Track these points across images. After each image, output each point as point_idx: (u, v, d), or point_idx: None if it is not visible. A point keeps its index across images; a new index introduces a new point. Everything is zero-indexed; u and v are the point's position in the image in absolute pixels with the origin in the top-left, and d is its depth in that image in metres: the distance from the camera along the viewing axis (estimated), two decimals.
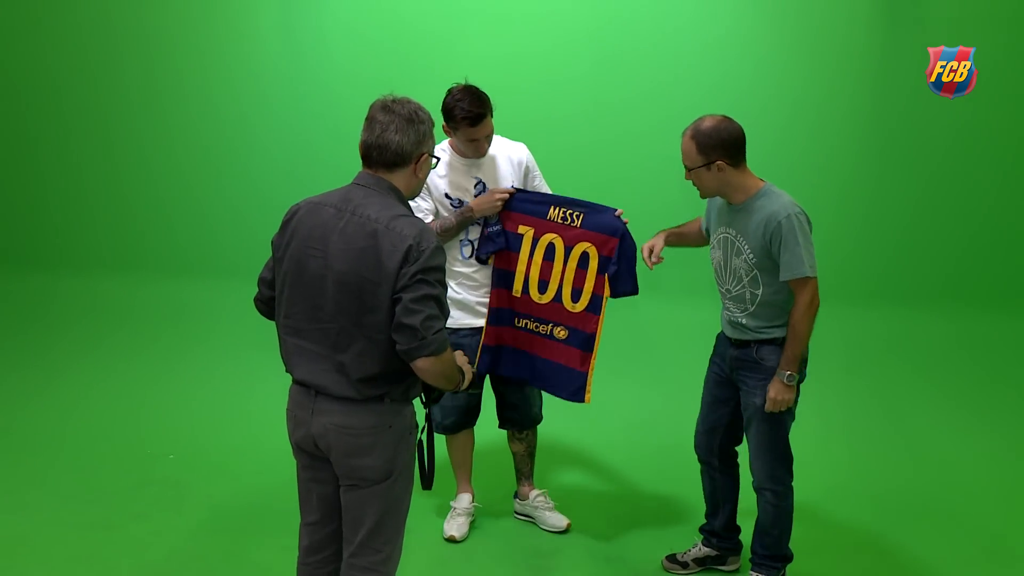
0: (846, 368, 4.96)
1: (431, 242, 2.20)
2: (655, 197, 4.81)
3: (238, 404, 4.75)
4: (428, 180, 3.28)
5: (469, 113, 3.24)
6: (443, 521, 3.65)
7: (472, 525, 3.66)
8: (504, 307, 3.44)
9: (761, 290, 2.90)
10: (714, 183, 2.91)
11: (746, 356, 2.98)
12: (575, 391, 3.36)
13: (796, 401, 2.96)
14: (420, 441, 2.51)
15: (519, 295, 3.42)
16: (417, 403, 2.46)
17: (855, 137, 4.72)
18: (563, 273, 3.34)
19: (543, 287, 3.38)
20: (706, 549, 3.34)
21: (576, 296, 3.33)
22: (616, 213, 3.28)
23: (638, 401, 4.82)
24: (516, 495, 3.78)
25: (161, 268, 5.65)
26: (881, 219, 4.85)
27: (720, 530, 3.31)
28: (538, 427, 3.72)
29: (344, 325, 2.23)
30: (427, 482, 2.60)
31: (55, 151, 5.44)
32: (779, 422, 2.95)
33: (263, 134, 5.07)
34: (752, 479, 3.08)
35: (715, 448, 3.21)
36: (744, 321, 2.96)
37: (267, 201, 4.94)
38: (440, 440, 3.49)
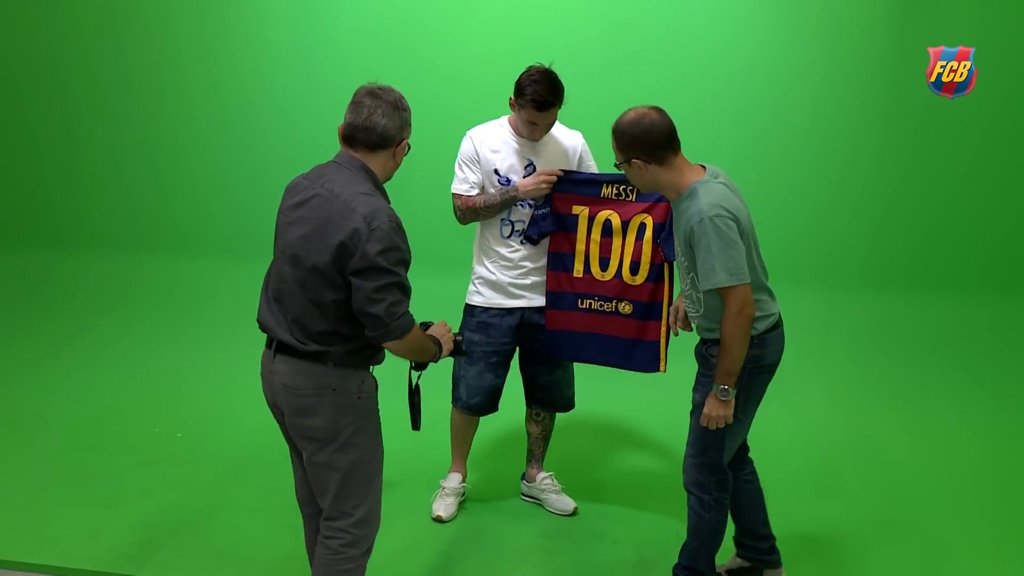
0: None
1: (383, 221, 2.27)
2: None
3: (245, 381, 4.73)
4: (480, 153, 3.36)
5: (539, 97, 3.20)
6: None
7: (461, 506, 3.65)
8: (566, 291, 3.42)
9: (701, 293, 2.71)
10: (640, 180, 2.76)
11: (699, 352, 2.86)
12: (650, 361, 3.36)
13: (748, 415, 2.79)
14: (411, 386, 2.63)
15: (581, 275, 3.39)
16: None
17: (874, 132, 4.65)
18: (623, 248, 3.33)
19: (604, 264, 3.37)
20: (739, 560, 3.14)
21: (635, 269, 3.32)
22: None
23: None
24: (524, 477, 3.78)
25: (162, 246, 5.63)
26: (905, 210, 4.80)
27: (745, 539, 3.10)
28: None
29: (292, 287, 2.38)
30: (415, 424, 2.67)
31: (54, 129, 5.41)
32: (713, 430, 2.74)
33: (263, 113, 5.03)
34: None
35: None
36: (699, 321, 2.81)
37: (266, 180, 4.93)
38: (443, 417, 3.59)
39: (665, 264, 3.28)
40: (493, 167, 3.37)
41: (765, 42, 4.54)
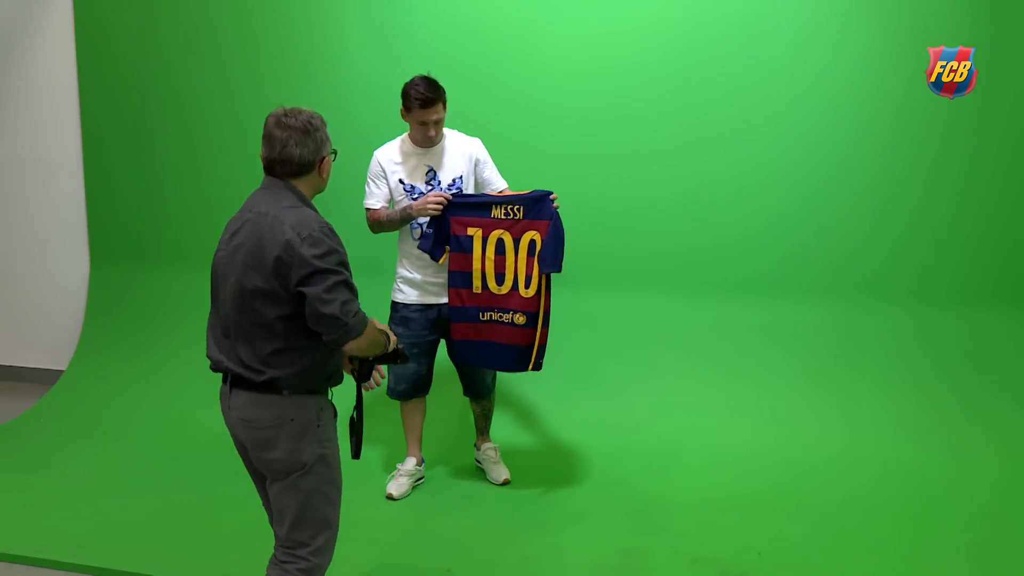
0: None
1: (313, 228, 2.30)
2: (748, 230, 4.65)
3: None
4: (384, 167, 3.78)
5: (422, 95, 3.59)
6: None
7: (415, 487, 4.01)
8: (468, 305, 3.73)
9: None
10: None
11: None
12: (517, 361, 3.69)
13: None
14: (352, 418, 2.62)
15: (480, 291, 3.72)
16: (352, 383, 2.62)
17: (960, 142, 4.49)
18: (515, 263, 3.67)
19: (500, 279, 3.70)
20: None
21: (528, 282, 3.66)
22: (550, 197, 3.63)
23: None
24: (475, 444, 4.22)
25: None
26: (994, 222, 4.63)
27: None
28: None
29: (236, 315, 2.37)
30: (355, 454, 2.65)
31: (143, 155, 5.50)
32: None
33: (344, 131, 5.02)
34: None
35: None
36: None
37: (345, 199, 4.95)
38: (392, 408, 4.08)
39: (543, 276, 3.62)
40: (398, 178, 3.77)
41: (848, 52, 4.44)
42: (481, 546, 3.49)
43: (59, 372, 5.57)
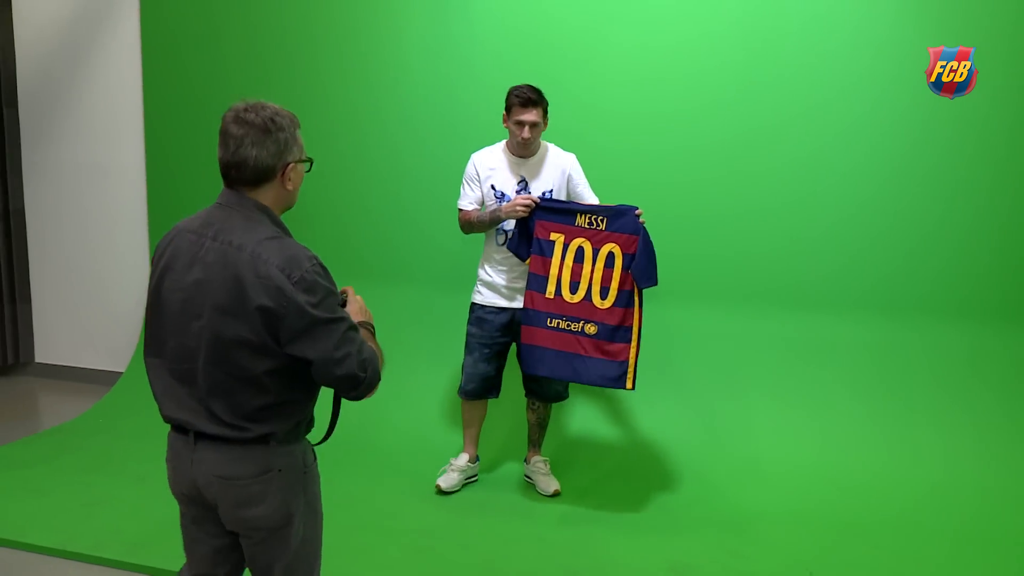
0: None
1: (305, 267, 1.94)
2: (824, 247, 4.58)
3: (381, 405, 4.79)
4: (479, 171, 3.90)
5: (522, 94, 3.74)
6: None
7: (466, 484, 4.12)
8: (539, 309, 3.77)
9: None
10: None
11: None
12: (616, 378, 3.68)
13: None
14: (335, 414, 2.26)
15: (552, 296, 3.76)
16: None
17: (1020, 157, 4.40)
18: (592, 273, 3.71)
19: (574, 288, 3.74)
20: None
21: (604, 293, 3.70)
22: (636, 213, 3.68)
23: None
24: (525, 459, 4.25)
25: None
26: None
27: None
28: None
29: (209, 367, 1.98)
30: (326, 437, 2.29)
31: (199, 154, 5.52)
32: None
33: (404, 150, 5.10)
34: None
35: None
36: None
37: (427, 198, 5.02)
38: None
39: (636, 290, 3.67)
40: (491, 183, 3.91)
41: (908, 62, 4.37)
42: (528, 557, 3.50)
43: (118, 374, 5.70)
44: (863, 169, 4.48)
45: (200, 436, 2.03)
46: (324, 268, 2.00)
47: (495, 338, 3.98)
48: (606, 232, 3.71)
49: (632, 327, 3.68)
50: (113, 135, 5.74)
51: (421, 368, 4.90)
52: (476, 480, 4.20)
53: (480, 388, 4.04)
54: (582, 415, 4.67)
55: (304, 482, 2.15)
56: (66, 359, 6.06)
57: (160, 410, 2.09)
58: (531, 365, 3.79)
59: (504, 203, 3.83)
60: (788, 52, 4.48)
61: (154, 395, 2.09)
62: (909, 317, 4.52)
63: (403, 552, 3.50)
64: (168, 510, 3.82)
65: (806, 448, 4.35)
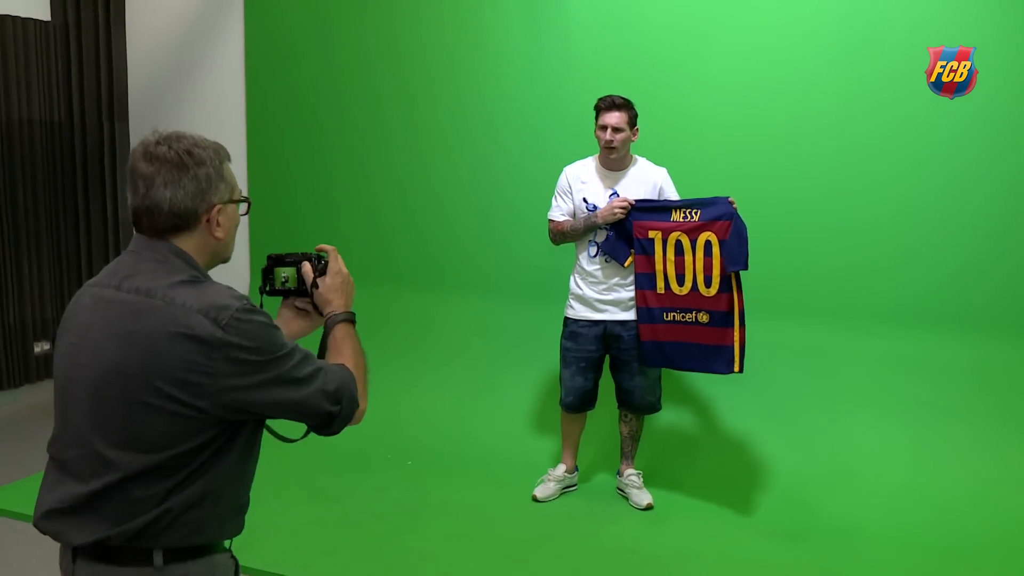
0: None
1: (233, 309, 1.54)
2: (906, 259, 4.42)
3: (476, 416, 4.82)
4: (571, 184, 3.96)
5: (608, 99, 3.82)
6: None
7: (564, 493, 4.16)
8: (652, 306, 3.86)
9: None
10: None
11: None
12: (726, 363, 3.73)
13: None
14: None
15: (663, 291, 3.84)
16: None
17: None
18: (694, 264, 3.77)
19: (680, 280, 3.81)
20: None
21: (708, 282, 3.75)
22: (728, 200, 3.72)
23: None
24: (618, 472, 4.23)
25: (412, 281, 5.42)
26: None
27: None
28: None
29: (98, 448, 1.56)
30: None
31: (301, 159, 5.66)
32: None
33: (507, 141, 5.07)
34: None
35: None
36: None
37: (510, 210, 5.04)
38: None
39: (732, 275, 3.69)
40: (582, 196, 3.96)
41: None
42: (621, 571, 3.47)
43: None
44: (968, 187, 4.33)
45: (78, 553, 1.60)
46: (252, 306, 1.59)
47: (590, 352, 4.01)
48: (699, 222, 3.76)
49: (734, 310, 3.72)
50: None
51: (508, 379, 4.92)
52: (575, 489, 4.21)
53: (578, 401, 4.08)
54: (674, 427, 4.60)
55: None
56: None
57: (34, 521, 1.65)
58: (655, 360, 3.90)
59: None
60: (890, 71, 4.36)
61: (35, 506, 1.65)
62: (1015, 336, 4.31)
63: (498, 563, 3.48)
64: (261, 512, 3.87)
65: (905, 467, 4.20)
